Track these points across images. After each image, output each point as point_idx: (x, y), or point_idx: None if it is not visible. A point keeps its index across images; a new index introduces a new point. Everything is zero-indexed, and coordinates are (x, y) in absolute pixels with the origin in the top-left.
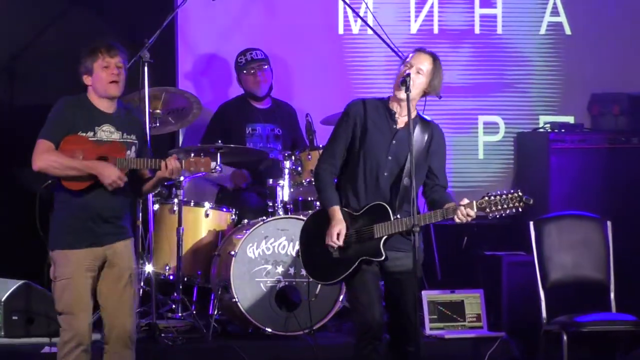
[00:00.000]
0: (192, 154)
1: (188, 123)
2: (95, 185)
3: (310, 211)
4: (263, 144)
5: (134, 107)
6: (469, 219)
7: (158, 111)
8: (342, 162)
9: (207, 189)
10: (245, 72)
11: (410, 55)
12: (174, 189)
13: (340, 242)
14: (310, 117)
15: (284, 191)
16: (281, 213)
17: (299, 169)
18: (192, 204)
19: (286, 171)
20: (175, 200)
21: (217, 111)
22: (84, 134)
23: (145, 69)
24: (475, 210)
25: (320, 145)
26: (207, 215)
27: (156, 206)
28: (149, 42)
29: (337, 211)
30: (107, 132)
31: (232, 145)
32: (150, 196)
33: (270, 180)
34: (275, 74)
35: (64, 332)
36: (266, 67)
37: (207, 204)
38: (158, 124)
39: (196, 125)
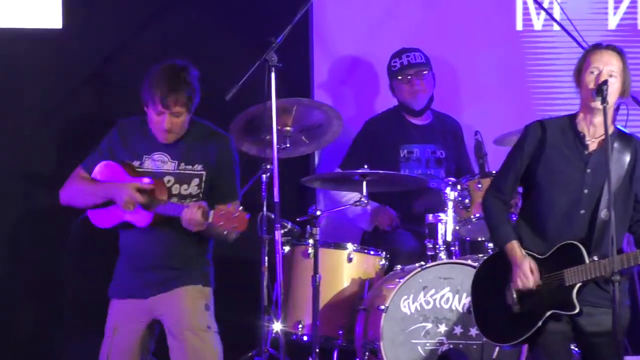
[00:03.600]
0: (226, 205)
1: (326, 143)
2: (155, 222)
3: (481, 255)
4: (422, 170)
5: (214, 129)
6: None
7: (288, 128)
8: (512, 196)
9: (350, 226)
10: (399, 79)
11: (589, 57)
12: (308, 226)
13: (537, 281)
14: (481, 136)
15: (447, 229)
16: (444, 257)
17: (467, 201)
18: (331, 245)
19: (450, 204)
20: (311, 241)
21: (362, 128)
22: (128, 162)
23: (272, 75)
24: None
25: (493, 172)
26: (350, 260)
27: (286, 248)
28: (276, 41)
29: (517, 247)
30: (158, 162)
31: (381, 172)
32: (278, 236)
33: (430, 216)
34: (438, 81)
35: None
36: (426, 72)
37: (350, 246)
38: (288, 145)
39: (336, 146)
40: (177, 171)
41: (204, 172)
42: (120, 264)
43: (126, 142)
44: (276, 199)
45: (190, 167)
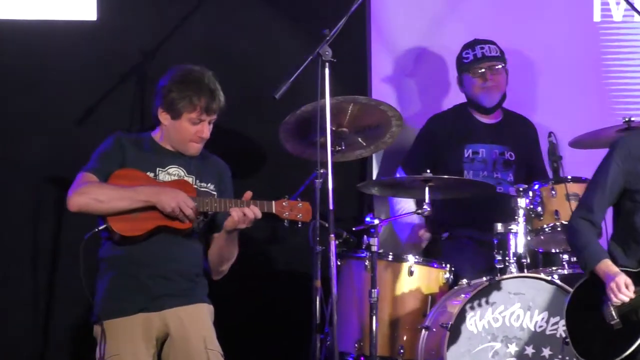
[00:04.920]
0: (286, 197)
1: (385, 145)
2: (159, 230)
3: (554, 268)
4: (488, 173)
5: (213, 155)
6: None
7: (343, 129)
8: (603, 217)
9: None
10: (471, 73)
11: None
12: (365, 236)
13: (631, 294)
14: (555, 137)
15: (518, 240)
16: (514, 271)
17: (539, 209)
18: (390, 257)
19: (521, 212)
20: (368, 253)
21: (424, 127)
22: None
23: (326, 71)
24: None
25: (569, 177)
26: (411, 273)
27: (341, 260)
28: (330, 34)
29: (610, 264)
30: (174, 176)
31: (445, 177)
32: (332, 247)
33: (499, 226)
34: (509, 77)
35: None
36: (500, 67)
37: (411, 258)
38: (343, 147)
39: (396, 149)
40: (195, 187)
41: (215, 193)
42: (122, 277)
43: (133, 152)
44: (330, 207)
45: (205, 185)
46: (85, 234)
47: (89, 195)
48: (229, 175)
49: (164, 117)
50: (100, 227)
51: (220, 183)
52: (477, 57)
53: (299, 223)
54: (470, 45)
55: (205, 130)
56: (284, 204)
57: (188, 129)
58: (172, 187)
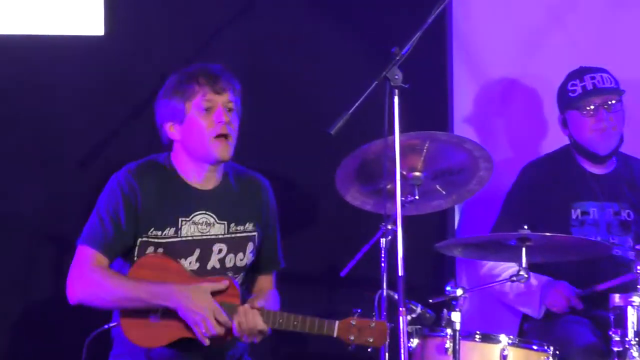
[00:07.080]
0: (355, 316)
1: (470, 195)
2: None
3: None
4: (602, 237)
5: (252, 174)
6: None
7: (418, 174)
8: None
9: (506, 311)
10: (579, 110)
11: None
12: (445, 310)
13: None
14: None
15: None
16: (636, 354)
17: None
18: (477, 337)
19: None
20: (449, 331)
21: (518, 178)
22: (160, 233)
23: (395, 100)
24: None
25: None
26: (504, 358)
27: (414, 340)
28: (401, 53)
29: None
30: (201, 225)
31: (547, 235)
32: (403, 324)
33: (617, 297)
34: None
35: None
36: (617, 102)
37: (504, 338)
38: (417, 197)
39: (483, 199)
40: (229, 235)
41: (255, 233)
42: None
43: (149, 200)
44: (400, 272)
45: (242, 227)
46: (92, 332)
47: (93, 290)
48: (269, 197)
49: (172, 130)
50: (111, 325)
51: (262, 213)
52: (587, 90)
53: (369, 348)
54: (578, 74)
55: (222, 114)
56: (351, 323)
57: (201, 122)
58: (204, 291)
